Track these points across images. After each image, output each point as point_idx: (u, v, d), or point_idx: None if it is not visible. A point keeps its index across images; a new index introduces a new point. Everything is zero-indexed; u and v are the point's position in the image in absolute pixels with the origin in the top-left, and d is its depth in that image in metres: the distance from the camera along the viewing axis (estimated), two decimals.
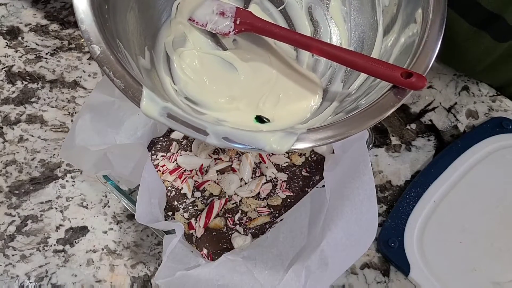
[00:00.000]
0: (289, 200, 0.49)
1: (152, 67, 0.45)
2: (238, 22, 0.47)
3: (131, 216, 0.52)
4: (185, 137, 0.54)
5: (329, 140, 0.35)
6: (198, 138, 0.34)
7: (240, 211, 0.49)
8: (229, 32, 0.47)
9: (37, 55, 0.65)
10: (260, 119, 0.45)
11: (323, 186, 0.45)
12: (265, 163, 0.51)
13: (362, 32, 0.48)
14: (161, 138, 0.54)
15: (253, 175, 0.51)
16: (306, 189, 0.50)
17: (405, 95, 0.37)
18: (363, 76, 0.44)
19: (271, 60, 0.49)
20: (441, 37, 0.39)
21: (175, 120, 0.34)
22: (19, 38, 0.67)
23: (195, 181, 0.51)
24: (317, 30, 0.51)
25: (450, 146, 0.56)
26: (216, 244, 0.47)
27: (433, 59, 0.38)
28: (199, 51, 0.48)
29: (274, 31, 0.46)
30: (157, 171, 0.51)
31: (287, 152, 0.52)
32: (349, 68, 0.47)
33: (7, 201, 0.54)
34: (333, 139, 0.35)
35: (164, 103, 0.35)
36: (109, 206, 0.53)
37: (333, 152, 0.49)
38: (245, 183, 0.50)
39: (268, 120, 0.45)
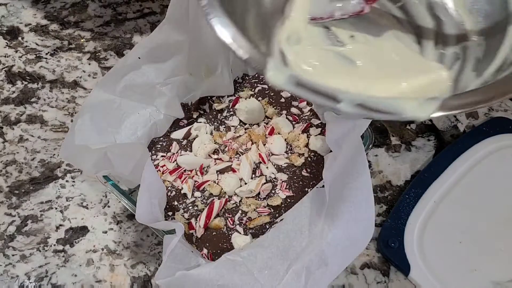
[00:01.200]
0: (289, 200, 0.49)
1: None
2: None
3: (131, 216, 0.52)
4: (185, 137, 0.54)
5: (477, 105, 0.33)
6: (329, 106, 0.32)
7: (240, 211, 0.49)
8: (363, 8, 0.45)
9: (37, 55, 0.65)
10: None
11: (323, 186, 0.45)
12: (265, 163, 0.51)
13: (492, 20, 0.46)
14: (161, 138, 0.54)
15: (253, 175, 0.51)
16: (306, 189, 0.50)
17: None
18: (499, 60, 0.42)
19: (392, 52, 0.46)
20: None
21: (304, 87, 0.33)
22: (19, 38, 0.67)
23: (195, 181, 0.51)
24: (440, 25, 0.49)
25: (450, 146, 0.56)
26: (216, 244, 0.47)
27: None
28: (315, 47, 0.46)
29: None
30: (157, 171, 0.51)
31: (287, 152, 0.52)
32: (481, 56, 0.44)
33: (7, 201, 0.54)
34: (484, 104, 0.33)
35: (291, 71, 0.34)
36: (109, 206, 0.53)
37: (331, 151, 0.49)
38: (245, 183, 0.50)
39: None
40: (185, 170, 0.52)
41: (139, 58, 0.50)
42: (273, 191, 0.50)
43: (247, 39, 0.36)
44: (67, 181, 0.55)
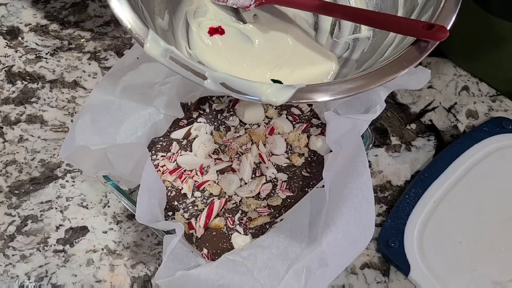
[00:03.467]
0: (289, 200, 0.49)
1: (169, 28, 0.46)
2: None
3: (131, 216, 0.52)
4: (185, 137, 0.54)
5: (339, 95, 0.35)
6: (196, 82, 0.35)
7: (240, 211, 0.49)
8: (250, 5, 0.48)
9: (37, 55, 0.65)
10: None
11: (323, 186, 0.45)
12: (265, 163, 0.51)
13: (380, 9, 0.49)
14: (161, 138, 0.54)
15: (253, 175, 0.51)
16: (306, 189, 0.50)
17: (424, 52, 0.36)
18: (377, 56, 0.45)
19: (289, 36, 0.49)
20: None
21: (175, 62, 0.35)
22: (19, 38, 0.67)
23: (195, 181, 0.51)
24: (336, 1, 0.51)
25: (450, 146, 0.56)
26: (216, 244, 0.47)
27: (457, 10, 0.38)
28: (219, 22, 0.49)
29: (294, 0, 0.46)
30: (157, 171, 0.51)
31: (287, 152, 0.52)
32: (365, 51, 0.47)
33: (7, 201, 0.54)
34: (342, 95, 0.36)
35: (167, 45, 0.36)
36: (109, 206, 0.53)
37: (331, 151, 0.49)
38: (245, 183, 0.50)
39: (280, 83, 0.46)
40: (185, 170, 0.52)
41: (138, 58, 0.50)
42: (273, 191, 0.50)
43: (138, 12, 0.39)
44: (67, 181, 0.55)
